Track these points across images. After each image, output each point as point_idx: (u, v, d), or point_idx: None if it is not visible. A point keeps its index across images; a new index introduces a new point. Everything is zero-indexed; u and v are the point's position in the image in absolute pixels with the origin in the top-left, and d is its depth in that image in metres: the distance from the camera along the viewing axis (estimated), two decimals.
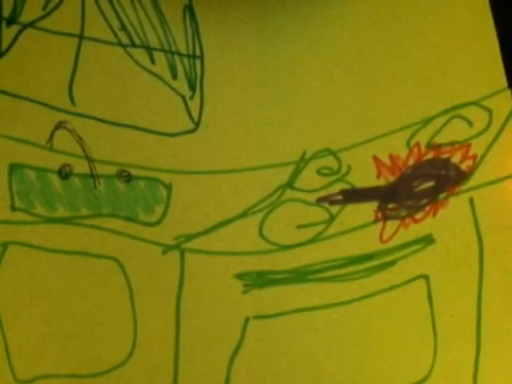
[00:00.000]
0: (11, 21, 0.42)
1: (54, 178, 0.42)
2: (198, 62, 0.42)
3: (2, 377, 0.42)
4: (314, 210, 0.43)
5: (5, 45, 0.42)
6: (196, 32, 0.42)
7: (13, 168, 0.42)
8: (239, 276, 0.43)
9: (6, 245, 0.42)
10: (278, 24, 0.42)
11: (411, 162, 0.43)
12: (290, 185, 0.43)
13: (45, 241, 0.42)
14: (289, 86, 0.43)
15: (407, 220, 0.43)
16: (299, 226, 0.43)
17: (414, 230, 0.43)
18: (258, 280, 0.43)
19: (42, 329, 0.42)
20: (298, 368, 0.43)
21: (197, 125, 0.43)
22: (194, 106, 0.42)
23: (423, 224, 0.43)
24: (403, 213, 0.43)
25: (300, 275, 0.43)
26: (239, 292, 0.43)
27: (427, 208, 0.43)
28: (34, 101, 0.42)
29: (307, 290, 0.43)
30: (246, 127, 0.43)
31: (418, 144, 0.43)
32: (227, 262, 0.43)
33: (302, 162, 0.43)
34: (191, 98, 0.42)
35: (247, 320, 0.43)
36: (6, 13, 0.42)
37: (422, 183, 0.43)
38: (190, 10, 0.42)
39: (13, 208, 0.42)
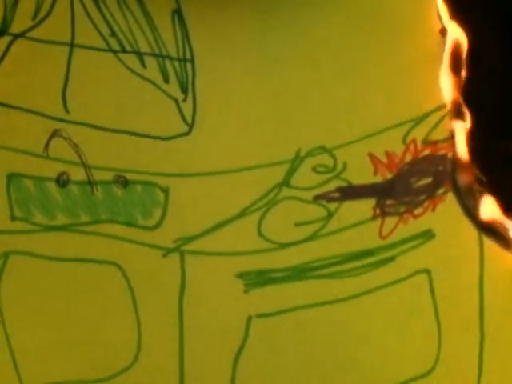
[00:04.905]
0: (2, 32, 0.42)
1: (52, 186, 0.43)
2: (188, 64, 0.42)
3: None
4: (311, 207, 0.43)
5: None
6: (185, 35, 0.42)
7: (11, 178, 0.42)
8: (240, 275, 0.43)
9: (7, 255, 0.43)
10: (267, 24, 0.42)
11: (408, 158, 0.43)
12: (285, 183, 0.43)
13: (45, 249, 0.43)
14: (281, 84, 0.42)
15: (406, 216, 0.43)
16: (297, 224, 0.43)
17: (413, 226, 0.43)
18: (259, 279, 0.43)
19: (47, 336, 0.43)
20: (302, 364, 0.44)
21: (190, 127, 0.43)
22: (187, 108, 0.42)
23: (422, 219, 0.43)
24: (402, 209, 0.43)
25: (300, 272, 0.43)
26: (241, 291, 0.43)
27: (426, 203, 0.43)
28: (28, 110, 0.42)
29: (308, 288, 0.43)
30: (240, 127, 0.43)
31: (414, 140, 0.43)
32: (227, 262, 0.43)
33: (297, 160, 0.43)
34: (184, 100, 0.42)
35: (250, 319, 0.43)
36: None
37: (420, 179, 0.43)
38: (178, 13, 0.42)
39: (12, 218, 0.43)
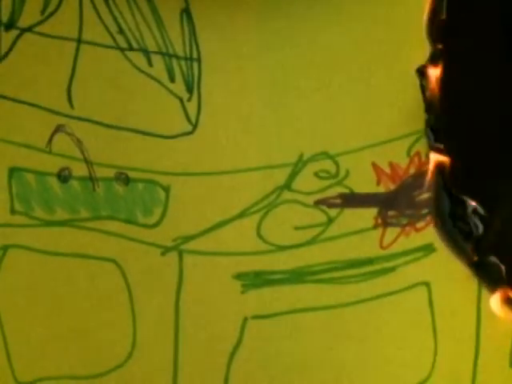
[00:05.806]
0: (10, 25, 0.42)
1: (54, 181, 0.43)
2: (195, 64, 0.42)
3: (2, 379, 0.43)
4: (311, 212, 0.43)
5: (3, 49, 0.42)
6: (193, 35, 0.42)
7: (12, 171, 0.43)
8: (237, 276, 0.43)
9: (5, 248, 0.43)
10: (275, 26, 0.42)
11: (412, 171, 0.43)
12: (287, 186, 0.43)
13: (44, 243, 0.43)
14: (286, 88, 0.43)
15: (408, 228, 0.43)
16: (297, 228, 0.43)
17: (414, 239, 0.43)
18: (256, 280, 0.43)
19: (43, 331, 0.43)
20: (295, 368, 0.44)
21: (194, 127, 0.43)
22: (192, 108, 0.43)
23: (424, 233, 0.43)
24: (404, 221, 0.43)
25: (298, 276, 0.43)
26: (238, 292, 0.43)
27: (428, 218, 0.43)
28: (33, 105, 0.42)
29: (306, 291, 0.43)
30: (244, 129, 0.43)
31: (418, 153, 0.43)
32: (225, 263, 0.43)
33: (300, 164, 0.43)
34: (189, 100, 0.42)
35: (245, 320, 0.43)
36: (5, 17, 0.42)
37: (423, 193, 0.43)
38: (187, 13, 0.42)
39: (12, 211, 0.43)
